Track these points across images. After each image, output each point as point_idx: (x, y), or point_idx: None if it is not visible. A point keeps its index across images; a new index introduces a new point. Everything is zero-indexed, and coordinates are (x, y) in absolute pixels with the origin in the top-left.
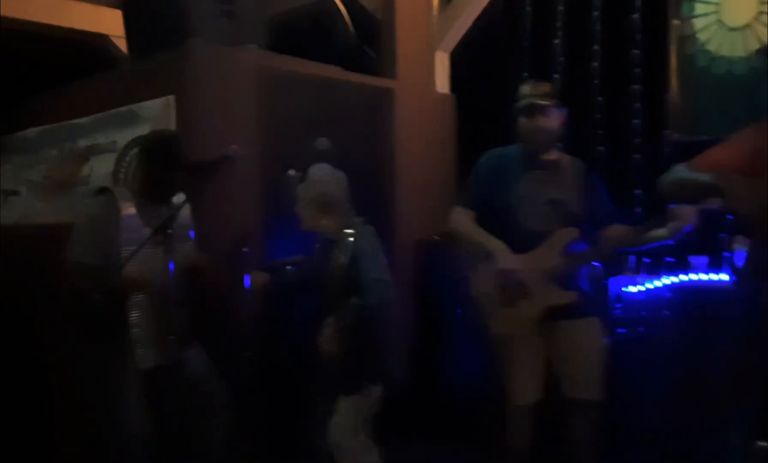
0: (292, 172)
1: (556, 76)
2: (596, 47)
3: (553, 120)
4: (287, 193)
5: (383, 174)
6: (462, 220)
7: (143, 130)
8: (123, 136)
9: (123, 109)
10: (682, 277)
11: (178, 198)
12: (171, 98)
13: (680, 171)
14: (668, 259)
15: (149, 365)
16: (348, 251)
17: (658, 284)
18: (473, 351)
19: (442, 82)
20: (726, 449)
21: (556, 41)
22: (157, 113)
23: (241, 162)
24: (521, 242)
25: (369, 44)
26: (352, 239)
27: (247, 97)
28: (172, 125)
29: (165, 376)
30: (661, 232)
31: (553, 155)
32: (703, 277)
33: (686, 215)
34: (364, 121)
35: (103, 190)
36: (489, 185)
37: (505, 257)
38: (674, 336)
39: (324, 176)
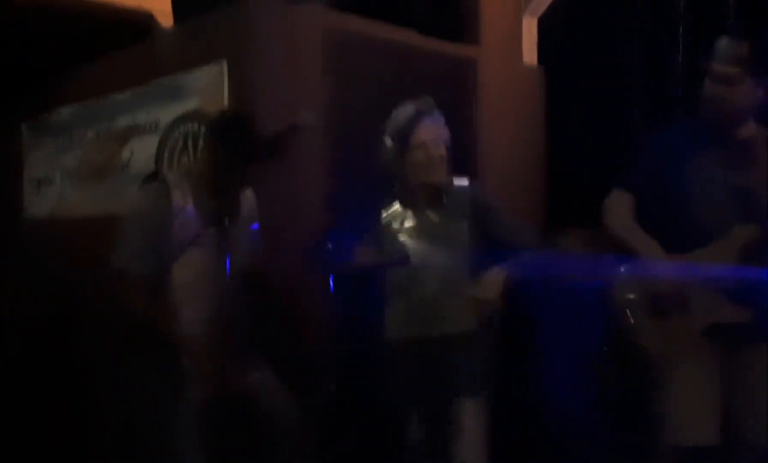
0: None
1: (677, 38)
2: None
3: (746, 93)
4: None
5: (465, 154)
6: (618, 210)
7: (190, 104)
8: (167, 113)
9: (166, 80)
10: None
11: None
12: (223, 65)
13: None
14: None
15: (205, 395)
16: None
17: None
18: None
19: (529, 52)
20: None
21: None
22: (206, 84)
23: (313, 132)
24: (692, 237)
25: (450, 7)
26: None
27: (311, 63)
28: (224, 97)
29: (225, 408)
30: None
31: (746, 132)
32: None
33: None
34: (444, 93)
35: (152, 177)
36: (658, 166)
37: (657, 258)
38: None
39: None
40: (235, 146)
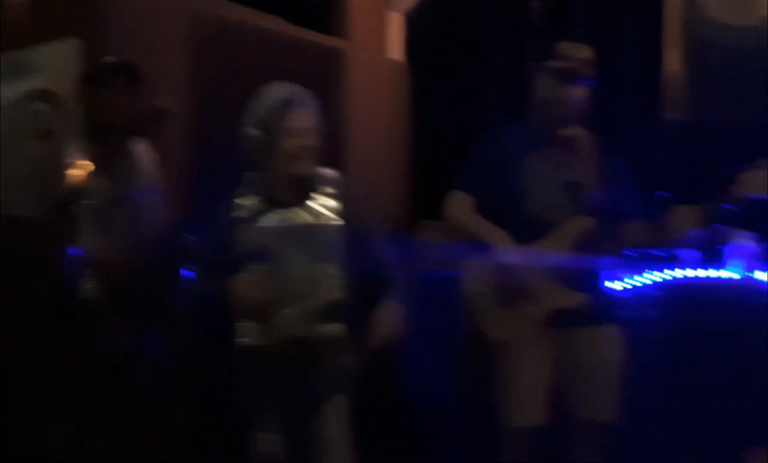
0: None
1: (533, 42)
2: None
3: (583, 95)
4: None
5: (331, 146)
6: (459, 206)
7: (36, 82)
8: (11, 89)
9: (13, 55)
10: (673, 273)
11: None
12: (73, 43)
13: None
14: (653, 251)
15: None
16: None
17: (644, 280)
18: (450, 356)
19: (395, 48)
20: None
21: (535, 2)
22: (54, 61)
23: (174, 118)
24: (528, 231)
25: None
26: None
27: (174, 46)
28: (73, 76)
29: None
30: (662, 235)
31: (573, 131)
32: (698, 273)
33: (691, 219)
34: (310, 84)
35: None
36: (493, 166)
37: (504, 250)
38: (665, 341)
39: None
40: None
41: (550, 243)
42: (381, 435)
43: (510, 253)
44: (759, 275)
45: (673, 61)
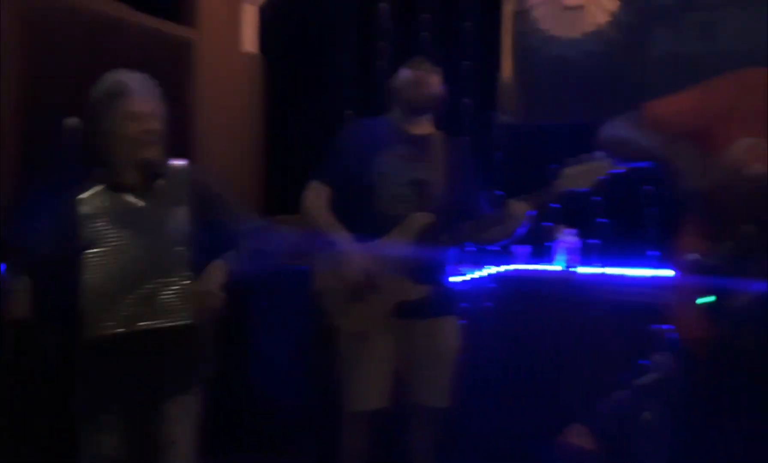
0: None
1: (382, 43)
2: (426, 16)
3: (439, 83)
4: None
5: (180, 137)
6: (313, 197)
7: None
8: None
9: None
10: (506, 267)
11: None
12: None
13: (620, 126)
14: (491, 247)
15: None
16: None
17: (481, 274)
18: (302, 349)
19: (249, 40)
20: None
21: (382, 4)
22: None
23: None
24: (377, 226)
25: None
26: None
27: (5, 30)
28: None
29: None
30: (500, 229)
31: (424, 129)
32: (529, 266)
33: (523, 212)
34: (157, 73)
35: None
36: (348, 159)
37: (349, 245)
38: (498, 328)
39: None
40: None
41: (395, 237)
42: (232, 429)
43: (356, 247)
44: (580, 269)
45: (508, 67)
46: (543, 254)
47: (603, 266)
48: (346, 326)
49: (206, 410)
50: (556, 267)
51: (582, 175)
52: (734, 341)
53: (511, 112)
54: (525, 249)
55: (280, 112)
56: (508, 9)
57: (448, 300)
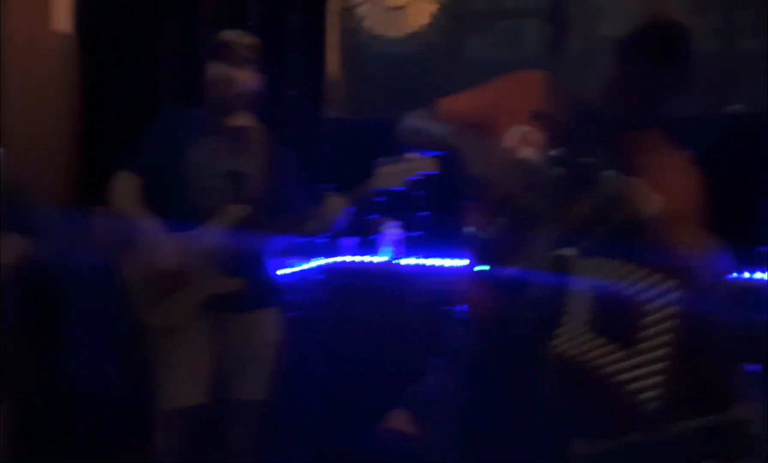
0: None
1: (207, 30)
2: (252, 5)
3: (251, 79)
4: None
5: None
6: (122, 188)
7: None
8: None
9: None
10: (335, 258)
11: None
12: None
13: (416, 118)
14: (319, 240)
15: None
16: None
17: (310, 265)
18: (109, 345)
19: (60, 18)
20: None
21: None
22: None
23: None
24: (190, 218)
25: None
26: None
27: None
28: None
29: None
30: (316, 223)
31: (241, 121)
32: (356, 258)
33: (339, 207)
34: None
35: None
36: (161, 149)
37: (159, 237)
38: (327, 318)
39: None
40: None
41: (209, 229)
42: (48, 431)
43: (167, 237)
44: (404, 261)
45: (334, 62)
46: (369, 246)
47: (426, 257)
48: (154, 321)
49: (22, 421)
50: (382, 258)
51: (395, 174)
52: (508, 310)
53: (338, 106)
54: (352, 241)
55: (96, 97)
56: (333, 4)
57: (267, 293)
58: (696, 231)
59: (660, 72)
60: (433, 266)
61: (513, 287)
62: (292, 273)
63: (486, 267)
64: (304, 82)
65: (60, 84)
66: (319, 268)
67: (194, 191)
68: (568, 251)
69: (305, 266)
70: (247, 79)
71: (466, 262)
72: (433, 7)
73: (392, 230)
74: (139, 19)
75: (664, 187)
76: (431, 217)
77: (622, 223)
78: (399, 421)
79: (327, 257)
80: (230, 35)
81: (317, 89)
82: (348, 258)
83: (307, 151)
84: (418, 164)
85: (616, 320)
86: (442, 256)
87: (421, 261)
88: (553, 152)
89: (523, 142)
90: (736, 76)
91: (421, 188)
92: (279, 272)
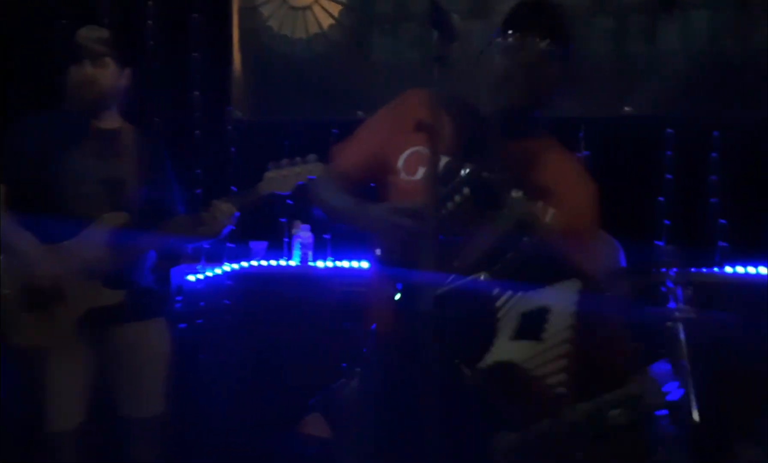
0: None
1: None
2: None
3: (111, 75)
4: None
5: None
6: None
7: None
8: None
9: None
10: (243, 263)
11: None
12: None
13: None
14: (229, 244)
15: None
16: None
17: (218, 272)
18: None
19: None
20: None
21: None
22: None
23: None
24: (64, 227)
25: None
26: None
27: None
28: None
29: None
30: (205, 229)
31: (113, 123)
32: (263, 263)
33: (228, 212)
34: None
35: None
36: (26, 156)
37: (30, 250)
38: (236, 325)
39: None
40: None
41: (85, 239)
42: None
43: (41, 251)
44: (315, 263)
45: (238, 62)
46: (280, 250)
47: (335, 259)
48: (22, 340)
49: None
50: (292, 262)
51: (283, 179)
52: (411, 332)
53: (242, 107)
54: (262, 245)
55: None
56: (236, 3)
57: (151, 302)
58: (591, 231)
59: (535, 43)
60: (342, 268)
61: (425, 304)
62: (200, 280)
63: (396, 295)
64: (207, 82)
65: None
66: (228, 273)
67: (68, 199)
68: (482, 275)
69: (212, 272)
70: (106, 76)
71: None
72: (337, 8)
73: (303, 233)
74: (21, 18)
75: (559, 195)
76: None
77: (529, 241)
78: (313, 426)
79: (236, 261)
80: (82, 32)
81: (221, 90)
82: (258, 262)
83: (211, 153)
84: (305, 169)
85: (533, 324)
86: (351, 258)
87: (330, 264)
88: (464, 172)
89: (415, 160)
90: (629, 80)
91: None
92: (186, 278)
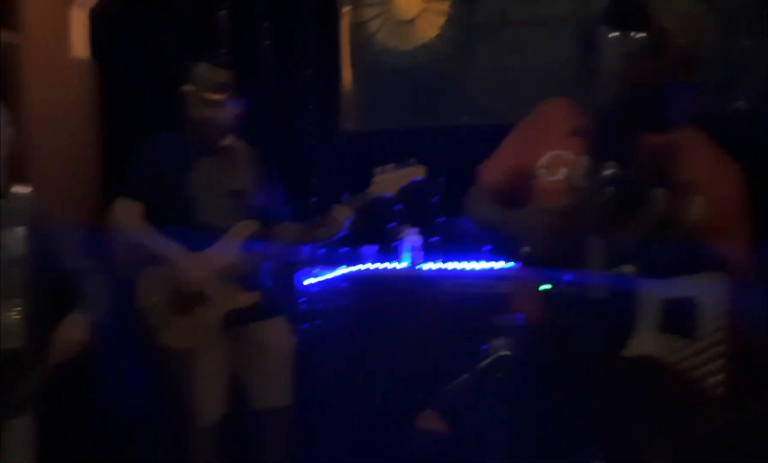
0: None
1: (222, 50)
2: (266, 24)
3: (229, 112)
4: None
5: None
6: (126, 214)
7: None
8: None
9: None
10: (357, 267)
11: None
12: None
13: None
14: (343, 249)
15: None
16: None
17: (334, 274)
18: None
19: (79, 45)
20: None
21: (222, 12)
22: None
23: None
24: (198, 238)
25: None
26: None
27: None
28: None
29: None
30: (320, 232)
31: (227, 141)
32: (377, 266)
33: (344, 216)
34: None
35: None
36: (158, 173)
37: (178, 259)
38: (352, 325)
39: None
40: None
41: (221, 248)
42: (76, 449)
43: (188, 258)
44: (424, 266)
45: (347, 77)
46: (390, 253)
47: (444, 261)
48: (174, 343)
49: (42, 431)
50: (402, 265)
51: (390, 182)
52: (563, 323)
53: (352, 119)
54: (373, 249)
55: (117, 121)
56: (345, 22)
57: (273, 303)
58: (741, 226)
59: (635, 36)
60: (454, 270)
61: (574, 297)
62: (318, 283)
63: (548, 286)
64: (318, 97)
65: (80, 109)
66: (343, 276)
67: (200, 211)
68: (628, 267)
69: (329, 276)
70: (225, 114)
71: (488, 265)
72: (441, 19)
73: (411, 237)
74: (154, 42)
75: (705, 187)
76: (446, 223)
77: (674, 236)
78: (430, 421)
79: (349, 265)
80: (202, 72)
81: (331, 103)
82: (370, 266)
83: (324, 164)
84: (409, 172)
85: (680, 318)
86: (460, 260)
87: (441, 266)
88: (606, 172)
89: (556, 163)
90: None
91: (435, 195)
92: (305, 282)
